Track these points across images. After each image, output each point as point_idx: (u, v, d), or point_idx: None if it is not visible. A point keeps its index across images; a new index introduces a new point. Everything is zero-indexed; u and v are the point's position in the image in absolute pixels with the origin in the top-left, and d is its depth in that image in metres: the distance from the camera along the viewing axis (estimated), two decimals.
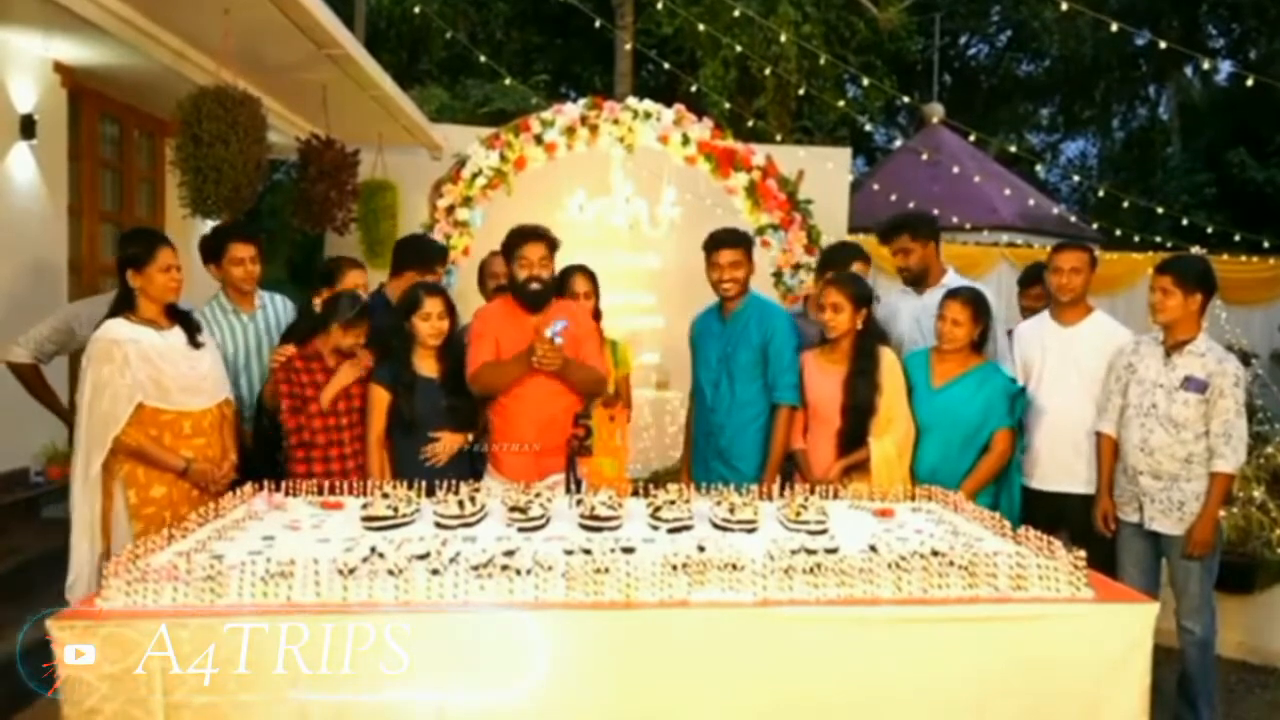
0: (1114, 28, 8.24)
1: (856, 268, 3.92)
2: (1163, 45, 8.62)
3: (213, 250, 3.84)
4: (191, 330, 3.24)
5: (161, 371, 3.09)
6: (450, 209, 5.44)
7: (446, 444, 3.43)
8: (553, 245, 3.50)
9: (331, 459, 3.39)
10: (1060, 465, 3.70)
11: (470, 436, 3.50)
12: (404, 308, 3.45)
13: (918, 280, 3.99)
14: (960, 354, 3.53)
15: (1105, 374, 3.62)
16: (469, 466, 3.48)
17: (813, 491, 3.02)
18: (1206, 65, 11.83)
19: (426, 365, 3.47)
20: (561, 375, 3.39)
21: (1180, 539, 3.37)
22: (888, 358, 3.52)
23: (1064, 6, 7.63)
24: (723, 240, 3.74)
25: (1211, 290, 3.39)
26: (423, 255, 4.14)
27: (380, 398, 3.40)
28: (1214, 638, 3.47)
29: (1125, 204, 10.97)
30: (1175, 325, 3.39)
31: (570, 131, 5.41)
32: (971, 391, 3.48)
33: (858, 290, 3.50)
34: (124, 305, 3.15)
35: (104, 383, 3.01)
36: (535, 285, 3.43)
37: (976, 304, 3.50)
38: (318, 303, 3.63)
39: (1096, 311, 3.81)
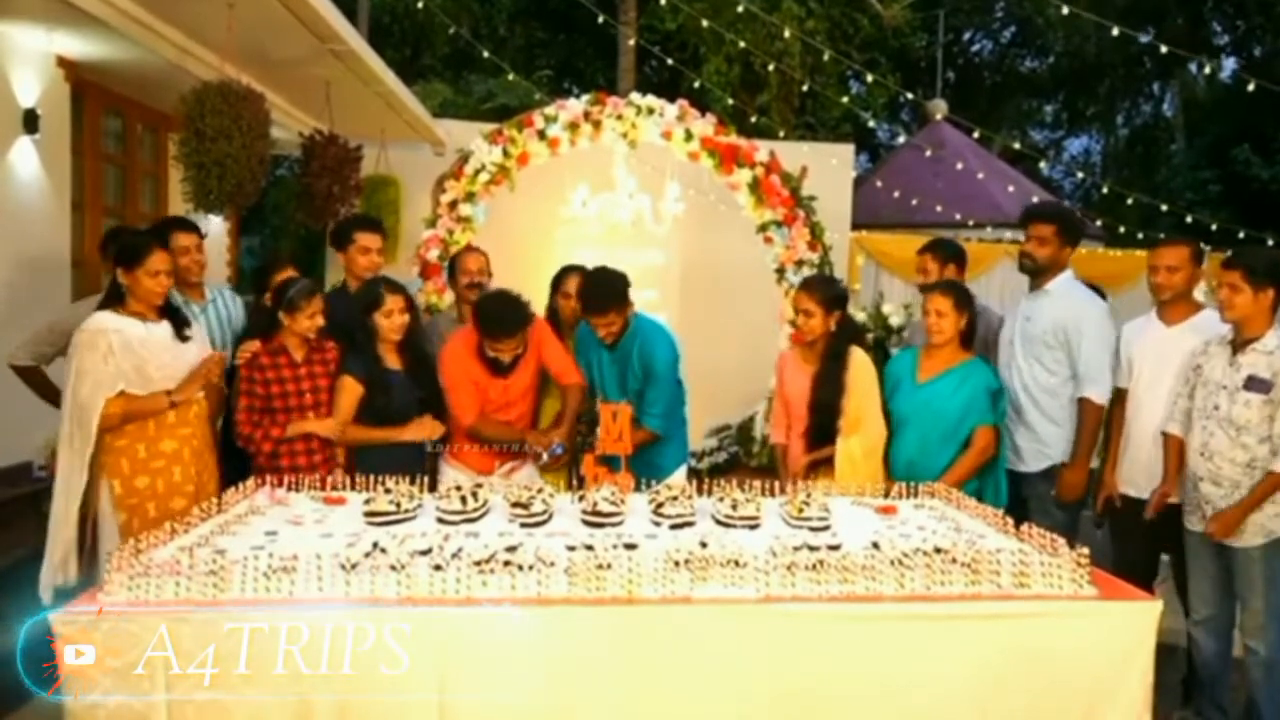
0: (1115, 31, 8.19)
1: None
2: (1164, 50, 8.56)
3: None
4: (179, 324, 3.26)
5: (145, 361, 3.12)
6: (453, 204, 5.44)
7: (430, 426, 3.49)
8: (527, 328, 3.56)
9: (280, 454, 3.34)
10: (1155, 474, 3.47)
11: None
12: (364, 305, 3.48)
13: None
14: (947, 350, 3.55)
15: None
16: (426, 462, 3.55)
17: (794, 485, 3.04)
18: (1208, 70, 11.80)
19: (390, 359, 3.51)
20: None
21: (1243, 551, 3.13)
22: (858, 359, 3.56)
23: (1064, 11, 7.59)
24: (589, 306, 3.61)
25: None
26: None
27: (352, 389, 3.42)
28: None
29: (1129, 201, 10.91)
30: (1244, 322, 3.15)
31: (573, 127, 5.40)
32: (953, 387, 3.49)
33: (826, 294, 3.58)
34: (113, 299, 3.18)
35: (86, 370, 3.03)
36: (503, 362, 3.54)
37: (957, 294, 3.54)
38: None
39: (1205, 310, 3.52)
